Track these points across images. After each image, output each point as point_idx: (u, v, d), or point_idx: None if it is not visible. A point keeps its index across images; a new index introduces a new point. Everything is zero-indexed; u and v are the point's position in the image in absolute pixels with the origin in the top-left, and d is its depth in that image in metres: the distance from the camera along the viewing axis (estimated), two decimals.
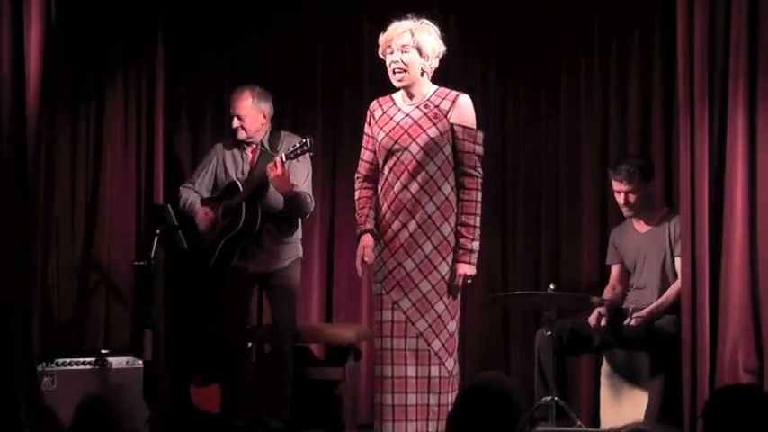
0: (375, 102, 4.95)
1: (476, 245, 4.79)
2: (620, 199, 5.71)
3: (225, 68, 6.60)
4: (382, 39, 4.81)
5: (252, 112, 5.85)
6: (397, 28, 4.78)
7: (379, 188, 4.87)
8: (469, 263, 4.78)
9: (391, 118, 4.83)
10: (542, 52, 6.36)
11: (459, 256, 4.77)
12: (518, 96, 6.44)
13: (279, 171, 5.51)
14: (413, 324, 4.74)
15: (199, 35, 6.56)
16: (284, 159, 5.52)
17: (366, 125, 4.96)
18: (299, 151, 5.52)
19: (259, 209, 5.73)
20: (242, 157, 5.92)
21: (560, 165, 6.36)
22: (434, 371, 4.73)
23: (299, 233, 5.93)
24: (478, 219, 4.80)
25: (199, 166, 6.10)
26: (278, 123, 6.08)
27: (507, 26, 6.40)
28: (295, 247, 5.89)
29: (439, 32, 4.83)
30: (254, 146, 5.91)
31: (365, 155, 4.96)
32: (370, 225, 4.86)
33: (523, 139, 6.43)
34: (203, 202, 5.95)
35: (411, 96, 4.83)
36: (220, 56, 6.62)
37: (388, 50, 4.79)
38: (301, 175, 5.74)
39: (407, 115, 4.80)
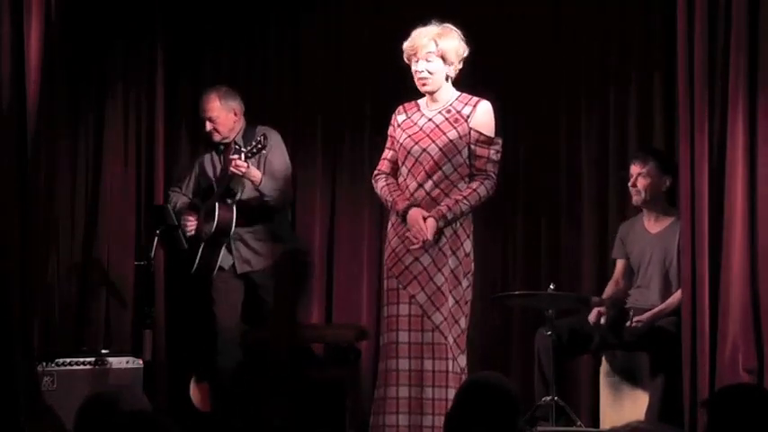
0: (401, 107, 5.02)
1: (450, 216, 4.75)
2: (631, 182, 5.73)
3: (225, 72, 6.60)
4: (407, 45, 4.88)
5: (222, 113, 5.86)
6: (421, 36, 4.84)
7: (400, 187, 4.92)
8: (435, 220, 4.74)
9: (415, 123, 4.91)
10: (542, 57, 6.37)
11: (432, 212, 4.75)
12: (518, 98, 6.44)
13: (236, 164, 5.55)
14: (429, 317, 4.79)
15: (199, 42, 6.57)
16: (243, 159, 5.57)
17: (390, 127, 5.02)
18: (254, 149, 5.59)
19: (234, 206, 5.73)
20: (220, 159, 5.92)
21: (560, 165, 6.36)
22: (450, 365, 4.78)
23: (287, 228, 5.91)
24: (467, 206, 4.79)
25: (184, 171, 6.13)
26: (276, 126, 6.07)
27: (508, 31, 6.41)
28: (284, 243, 5.87)
29: (462, 35, 4.85)
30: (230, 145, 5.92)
31: (387, 154, 5.03)
32: (409, 201, 4.83)
33: (523, 140, 6.43)
34: (189, 206, 5.95)
35: (435, 101, 4.89)
36: (220, 62, 6.62)
37: (414, 58, 4.86)
38: (277, 166, 5.75)
39: (430, 119, 4.88)
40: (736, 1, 4.99)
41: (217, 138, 5.88)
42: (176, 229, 5.93)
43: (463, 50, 4.87)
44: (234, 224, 5.73)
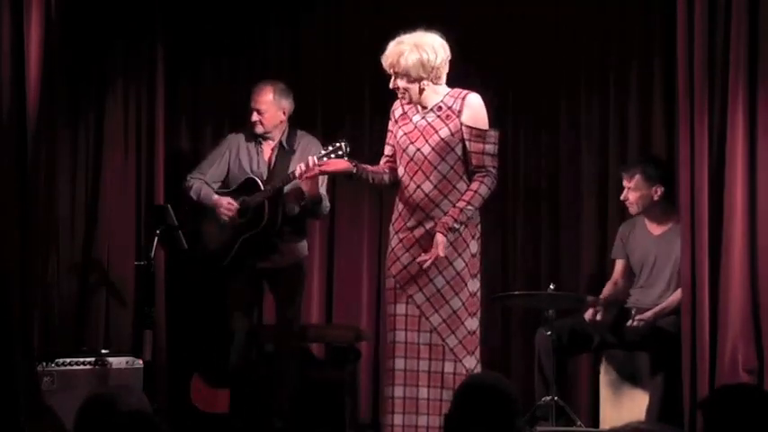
0: (398, 101, 4.98)
1: (456, 225, 4.74)
2: (623, 196, 5.77)
3: (225, 72, 6.60)
4: (382, 59, 4.86)
5: (272, 108, 5.84)
6: (387, 56, 4.83)
7: (399, 187, 4.92)
8: (444, 235, 4.72)
9: (410, 119, 4.91)
10: (543, 56, 6.37)
11: (437, 226, 4.74)
12: (518, 99, 6.45)
13: (311, 173, 5.23)
14: (426, 318, 4.78)
15: (199, 40, 6.56)
16: (317, 162, 5.17)
17: (389, 121, 5.01)
18: (332, 155, 5.18)
19: (280, 209, 5.72)
20: (257, 152, 5.90)
21: (560, 165, 6.37)
22: (448, 367, 4.76)
23: (306, 233, 5.94)
24: (471, 209, 4.77)
25: (210, 156, 6.03)
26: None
27: (508, 31, 6.40)
28: (302, 246, 5.90)
29: (433, 41, 4.81)
30: (271, 142, 5.90)
31: (386, 149, 5.04)
32: (361, 164, 4.97)
33: (523, 140, 6.43)
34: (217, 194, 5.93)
35: (425, 106, 4.88)
36: (220, 61, 6.62)
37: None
38: (319, 179, 5.73)
39: (423, 117, 4.87)
40: (736, 1, 4.99)
41: (259, 130, 5.86)
42: (176, 230, 5.92)
43: (434, 59, 4.79)
44: (278, 226, 5.72)
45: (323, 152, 5.19)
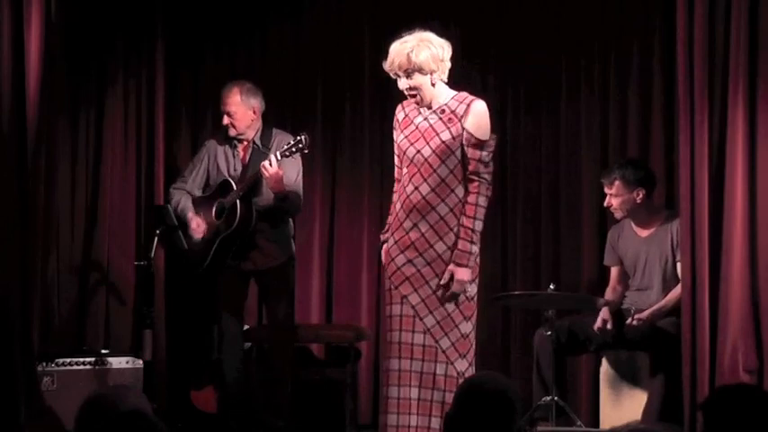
0: (399, 105, 4.95)
1: (474, 248, 4.75)
2: (606, 203, 5.78)
3: (225, 70, 6.61)
4: (386, 65, 4.81)
5: (241, 108, 5.84)
6: (393, 56, 4.77)
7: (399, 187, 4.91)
8: (466, 266, 4.73)
9: (412, 121, 4.87)
10: (542, 56, 6.37)
11: (455, 258, 4.75)
12: (518, 98, 6.45)
13: (272, 171, 5.53)
14: (421, 319, 4.76)
15: (199, 37, 6.57)
16: (279, 158, 5.52)
17: (394, 131, 4.96)
18: (293, 149, 5.54)
19: (254, 206, 5.73)
20: (233, 155, 5.91)
21: (560, 165, 6.37)
22: (440, 368, 4.74)
23: (290, 231, 5.92)
24: (479, 223, 4.75)
25: (190, 164, 6.08)
26: (275, 123, 6.06)
27: (507, 30, 6.41)
28: (287, 245, 5.88)
29: (436, 38, 4.80)
30: (245, 143, 5.90)
31: (396, 160, 4.98)
32: (388, 235, 4.91)
33: (523, 140, 6.44)
34: (196, 202, 5.94)
35: (430, 106, 4.85)
36: (220, 58, 6.62)
37: (394, 75, 4.82)
38: (291, 174, 5.73)
39: (425, 119, 4.83)
40: (736, 1, 4.99)
41: (232, 132, 5.87)
42: (176, 230, 5.93)
43: (442, 53, 4.77)
44: (254, 224, 5.73)
45: (285, 146, 5.55)
